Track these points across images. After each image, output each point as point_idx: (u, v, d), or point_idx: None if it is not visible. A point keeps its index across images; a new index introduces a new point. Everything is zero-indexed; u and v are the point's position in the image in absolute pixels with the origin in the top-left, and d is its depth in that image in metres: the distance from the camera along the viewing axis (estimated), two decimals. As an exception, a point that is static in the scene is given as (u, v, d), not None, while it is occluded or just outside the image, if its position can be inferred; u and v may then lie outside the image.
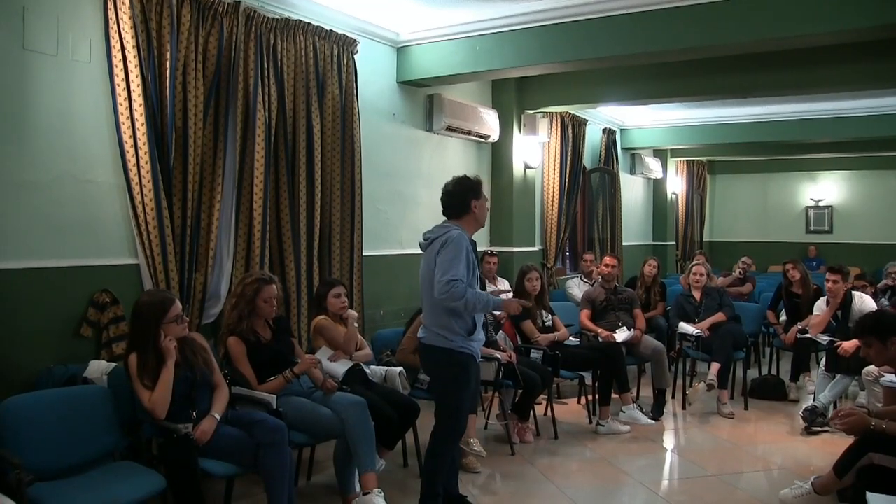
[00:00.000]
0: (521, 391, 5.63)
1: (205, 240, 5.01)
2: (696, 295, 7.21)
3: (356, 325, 4.85)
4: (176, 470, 3.55)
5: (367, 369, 4.85)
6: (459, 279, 3.78)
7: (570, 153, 9.33)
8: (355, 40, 6.09)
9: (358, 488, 4.21)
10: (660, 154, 13.18)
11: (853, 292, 6.63)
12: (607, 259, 7.18)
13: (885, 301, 7.59)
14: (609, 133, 11.00)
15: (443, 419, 4.05)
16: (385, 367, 5.06)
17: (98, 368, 4.19)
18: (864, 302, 6.51)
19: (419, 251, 4.14)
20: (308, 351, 4.88)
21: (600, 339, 6.52)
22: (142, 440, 3.81)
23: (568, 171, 9.30)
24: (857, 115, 10.27)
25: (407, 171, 7.14)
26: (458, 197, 4.07)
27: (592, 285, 7.69)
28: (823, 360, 6.33)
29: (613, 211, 11.07)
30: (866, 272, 7.48)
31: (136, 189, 4.57)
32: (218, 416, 3.78)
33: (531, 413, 5.80)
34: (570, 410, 6.76)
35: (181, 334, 3.86)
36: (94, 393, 3.83)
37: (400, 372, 5.00)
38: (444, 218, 4.13)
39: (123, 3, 4.46)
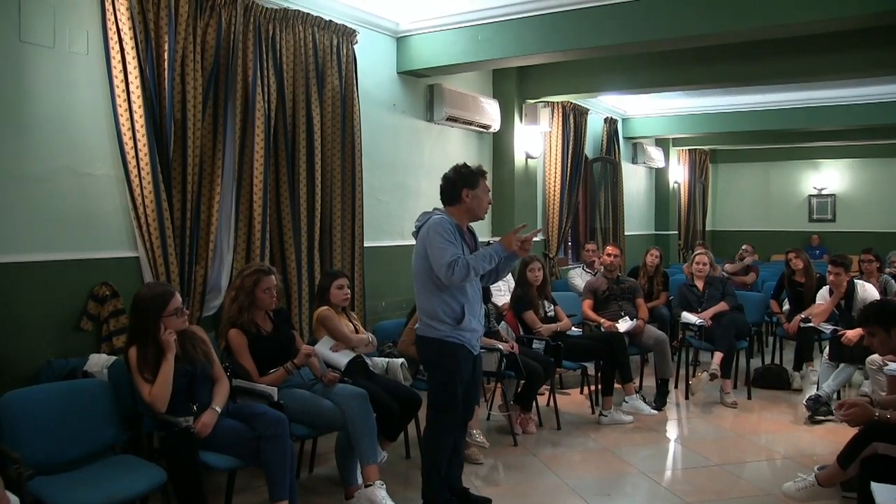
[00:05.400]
0: (523, 382, 5.62)
1: (205, 232, 4.99)
2: (699, 284, 7.19)
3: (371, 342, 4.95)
4: (177, 463, 3.54)
5: (368, 360, 4.84)
6: (456, 257, 3.74)
7: (571, 143, 9.29)
8: (355, 30, 6.05)
9: (360, 480, 4.21)
10: (662, 143, 13.15)
11: (856, 281, 6.61)
12: (609, 249, 7.17)
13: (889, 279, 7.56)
14: (611, 122, 10.96)
15: (434, 411, 4.02)
16: (387, 359, 5.05)
17: (98, 362, 4.18)
18: (867, 290, 6.48)
19: (419, 242, 4.12)
20: (310, 343, 4.87)
21: (603, 329, 6.51)
22: (142, 434, 3.78)
23: (570, 160, 9.28)
24: (859, 103, 10.22)
25: (408, 162, 7.11)
26: (450, 185, 3.99)
27: (595, 275, 7.66)
28: (827, 348, 6.31)
29: (615, 200, 11.04)
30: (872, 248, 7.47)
31: (136, 181, 4.54)
32: (219, 409, 3.77)
33: (534, 403, 5.79)
34: (573, 401, 6.75)
35: (181, 327, 3.85)
36: (95, 386, 3.81)
37: (402, 363, 4.98)
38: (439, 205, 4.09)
39: (120, -6, 4.43)
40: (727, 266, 9.43)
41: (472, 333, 3.99)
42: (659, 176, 13.45)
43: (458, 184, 3.97)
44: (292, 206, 5.56)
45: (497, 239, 4.50)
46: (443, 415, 4.00)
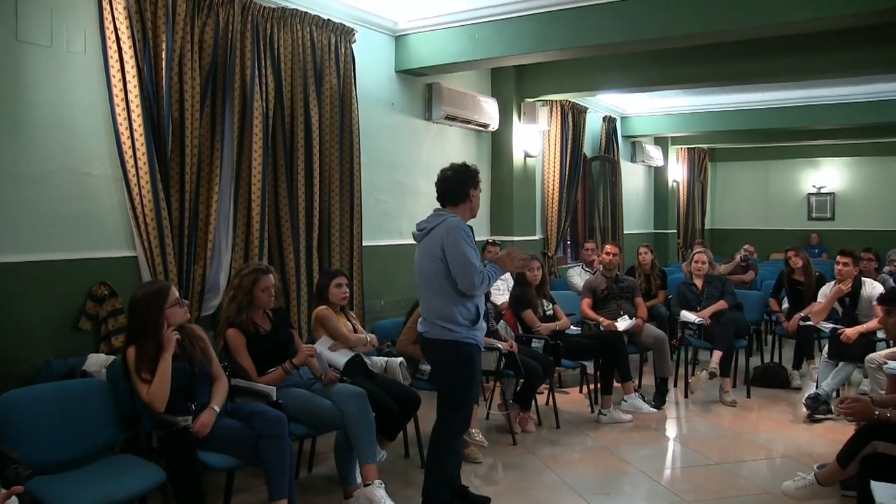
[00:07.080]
0: (522, 381, 5.62)
1: (203, 231, 4.99)
2: (698, 283, 7.18)
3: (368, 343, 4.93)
4: (175, 463, 3.54)
5: (367, 360, 4.84)
6: (478, 266, 3.79)
7: (570, 141, 9.29)
8: (353, 29, 6.04)
9: (359, 479, 4.20)
10: (660, 142, 13.15)
11: (863, 278, 6.57)
12: (608, 247, 7.16)
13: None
14: (609, 121, 10.96)
15: (450, 412, 4.00)
16: (385, 358, 5.04)
17: (97, 362, 4.18)
18: (875, 288, 6.44)
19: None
20: (308, 342, 4.87)
21: (602, 328, 6.51)
22: (141, 433, 3.77)
23: (568, 159, 9.27)
24: (858, 101, 10.23)
25: (406, 161, 7.11)
26: (458, 184, 3.99)
27: (594, 274, 7.67)
28: (826, 347, 6.31)
29: (614, 199, 11.04)
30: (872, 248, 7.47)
31: (134, 181, 4.54)
32: (217, 409, 3.76)
33: (533, 402, 5.79)
34: (572, 400, 6.75)
35: (184, 317, 3.88)
36: (93, 386, 3.80)
37: (400, 362, 4.98)
38: (438, 205, 4.07)
39: (118, -7, 4.42)
40: (721, 267, 9.41)
41: (482, 332, 4.06)
42: (658, 174, 13.45)
43: (467, 183, 4.00)
44: (291, 206, 5.56)
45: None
46: (458, 415, 4.01)
